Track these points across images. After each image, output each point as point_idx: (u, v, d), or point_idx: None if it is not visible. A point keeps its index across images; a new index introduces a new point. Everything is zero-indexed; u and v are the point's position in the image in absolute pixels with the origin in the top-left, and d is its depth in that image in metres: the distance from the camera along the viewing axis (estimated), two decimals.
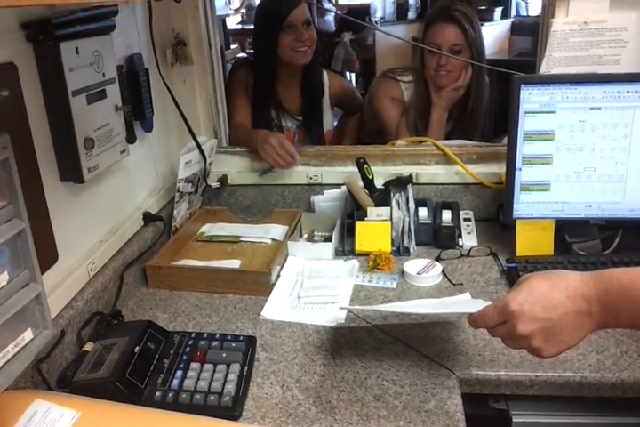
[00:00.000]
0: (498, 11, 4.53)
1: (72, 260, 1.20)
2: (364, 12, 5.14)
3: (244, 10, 8.03)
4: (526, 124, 1.36)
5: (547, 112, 1.35)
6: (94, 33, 1.18)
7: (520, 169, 1.39)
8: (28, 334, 0.80)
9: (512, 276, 1.33)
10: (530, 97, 1.34)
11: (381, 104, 2.12)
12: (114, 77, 1.26)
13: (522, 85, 1.34)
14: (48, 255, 1.08)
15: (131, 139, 1.38)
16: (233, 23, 6.81)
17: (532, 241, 1.39)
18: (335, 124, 2.38)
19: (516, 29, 4.63)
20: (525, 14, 5.08)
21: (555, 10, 1.43)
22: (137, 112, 1.42)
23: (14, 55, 1.00)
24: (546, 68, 1.46)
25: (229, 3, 5.62)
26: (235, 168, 1.75)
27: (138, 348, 1.06)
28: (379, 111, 2.13)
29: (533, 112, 1.35)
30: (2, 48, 0.98)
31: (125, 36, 1.39)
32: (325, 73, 2.15)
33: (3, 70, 0.96)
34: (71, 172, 1.15)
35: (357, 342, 1.16)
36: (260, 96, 1.99)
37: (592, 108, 1.33)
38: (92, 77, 1.18)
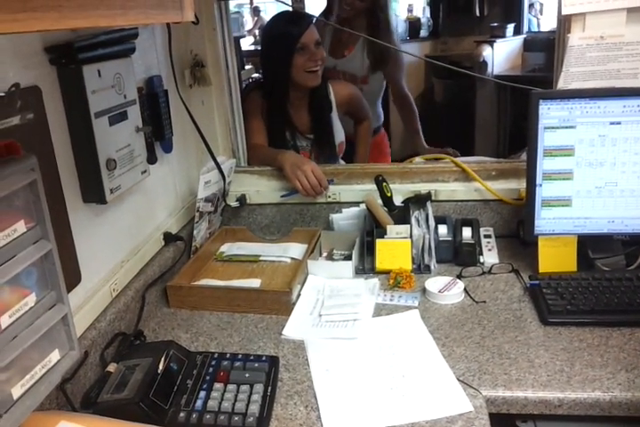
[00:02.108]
0: (510, 27, 4.56)
1: (95, 280, 1.20)
2: None
3: (256, 31, 8.16)
4: (546, 139, 1.35)
5: (566, 127, 1.34)
6: (116, 56, 1.20)
7: (540, 185, 1.38)
8: (54, 355, 0.79)
9: (535, 293, 1.31)
10: (549, 112, 1.34)
11: None
12: (134, 99, 1.27)
13: (540, 101, 1.33)
14: (71, 276, 1.09)
15: (151, 159, 1.40)
16: (246, 44, 6.91)
17: (555, 258, 1.38)
18: None
19: (528, 45, 4.67)
20: (537, 30, 5.11)
21: (571, 25, 1.43)
22: (157, 133, 1.44)
23: (38, 78, 1.02)
24: (563, 83, 1.46)
25: (243, 24, 5.71)
26: (253, 187, 1.76)
27: (161, 368, 1.06)
28: None
29: (553, 127, 1.35)
30: (26, 72, 0.99)
31: (145, 59, 1.41)
32: (329, 84, 2.15)
33: (27, 93, 0.97)
34: (94, 192, 1.16)
35: None
36: (274, 119, 1.99)
37: (612, 123, 1.32)
38: (113, 99, 1.19)
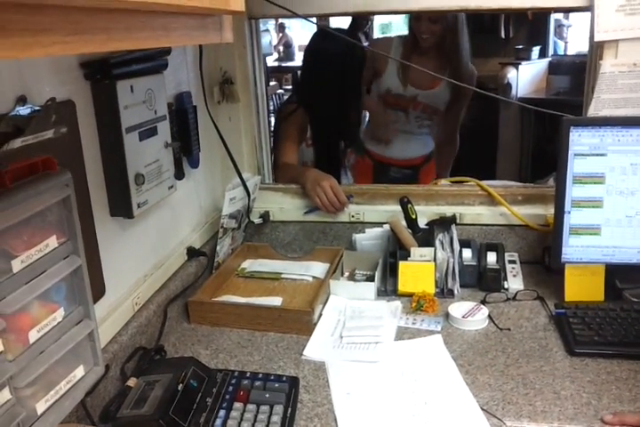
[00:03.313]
0: (535, 50, 4.55)
1: (118, 294, 1.20)
2: None
3: (281, 47, 8.24)
4: (575, 166, 1.34)
5: (597, 155, 1.33)
6: (148, 72, 1.21)
7: (569, 212, 1.36)
8: (79, 371, 0.79)
9: (561, 322, 1.29)
10: (579, 139, 1.33)
11: None
12: (165, 115, 1.28)
13: (571, 127, 1.32)
14: (96, 289, 1.08)
15: (179, 175, 1.40)
16: (270, 60, 6.98)
17: (582, 286, 1.36)
18: None
19: (553, 68, 4.65)
20: (563, 53, 5.09)
21: (603, 51, 1.42)
22: (185, 149, 1.44)
23: (73, 93, 1.03)
24: (594, 109, 1.45)
25: (270, 42, 5.79)
26: (277, 205, 1.76)
27: (181, 385, 1.05)
28: None
29: (583, 154, 1.33)
30: (62, 86, 1.01)
31: (176, 75, 1.43)
32: None
33: (62, 108, 0.98)
34: (121, 207, 1.17)
35: None
36: (334, 135, 2.05)
37: None
38: (144, 115, 1.20)
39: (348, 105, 2.05)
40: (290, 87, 5.43)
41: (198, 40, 0.70)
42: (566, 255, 1.38)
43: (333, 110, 2.00)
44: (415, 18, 2.20)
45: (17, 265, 0.68)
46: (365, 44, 3.28)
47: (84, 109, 1.07)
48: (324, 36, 2.01)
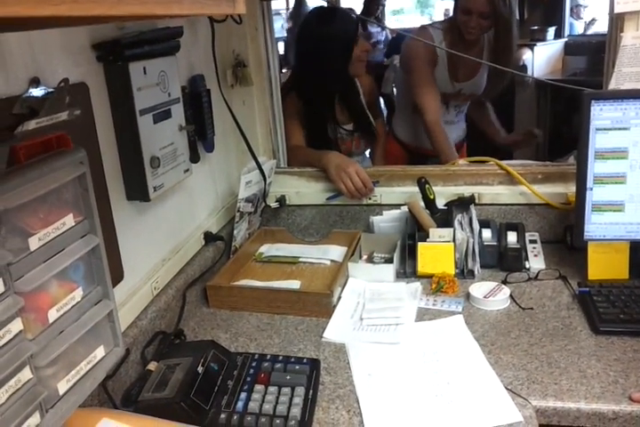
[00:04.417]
0: (551, 30, 4.47)
1: (137, 278, 1.20)
2: None
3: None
4: (597, 141, 1.31)
5: (619, 129, 1.29)
6: (161, 53, 1.20)
7: (591, 189, 1.33)
8: (100, 352, 0.79)
9: (585, 300, 1.26)
10: (601, 113, 1.29)
11: (411, 52, 2.26)
12: (178, 97, 1.27)
13: (592, 101, 1.29)
14: (115, 274, 1.08)
15: (194, 158, 1.39)
16: (282, 48, 6.93)
17: (605, 264, 1.33)
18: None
19: (569, 49, 4.57)
20: (578, 33, 5.00)
21: (624, 24, 1.38)
22: (199, 132, 1.43)
23: (86, 75, 1.02)
24: (615, 83, 1.41)
25: (283, 27, 5.74)
26: (293, 188, 1.74)
27: (201, 368, 1.04)
28: (408, 60, 2.26)
29: (605, 129, 1.30)
30: (75, 68, 0.99)
31: (188, 58, 1.41)
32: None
33: (75, 90, 0.97)
34: (137, 190, 1.16)
35: None
36: (319, 118, 2.00)
37: None
38: (158, 97, 1.19)
39: (342, 88, 2.04)
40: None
41: (211, 10, 0.68)
42: (589, 233, 1.35)
43: (327, 92, 1.98)
44: (464, 12, 2.12)
45: (34, 243, 0.67)
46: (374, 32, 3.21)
47: (98, 91, 1.06)
48: (320, 17, 2.00)
